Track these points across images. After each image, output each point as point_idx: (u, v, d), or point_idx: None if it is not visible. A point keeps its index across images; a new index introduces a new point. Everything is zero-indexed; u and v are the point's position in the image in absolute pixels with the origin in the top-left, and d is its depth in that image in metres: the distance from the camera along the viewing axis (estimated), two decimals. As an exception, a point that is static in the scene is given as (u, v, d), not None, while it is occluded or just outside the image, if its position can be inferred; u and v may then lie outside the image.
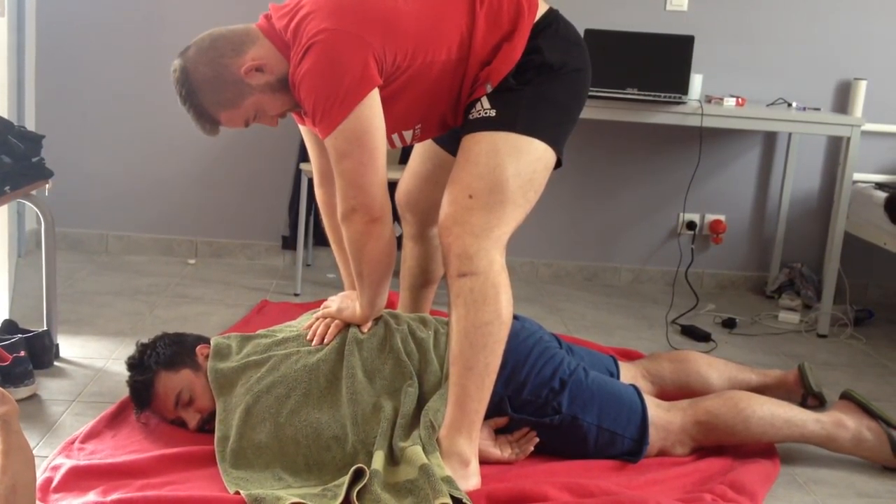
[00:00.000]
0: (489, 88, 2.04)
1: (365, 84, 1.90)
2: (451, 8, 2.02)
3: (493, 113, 2.03)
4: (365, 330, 2.20)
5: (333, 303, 2.28)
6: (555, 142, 2.06)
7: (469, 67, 2.04)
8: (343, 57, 1.89)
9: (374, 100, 1.93)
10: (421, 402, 2.11)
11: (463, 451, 1.98)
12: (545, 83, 2.05)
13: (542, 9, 2.10)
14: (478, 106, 2.05)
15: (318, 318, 2.25)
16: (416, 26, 1.97)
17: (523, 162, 2.01)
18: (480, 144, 2.01)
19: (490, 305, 1.95)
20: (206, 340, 2.29)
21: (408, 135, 2.16)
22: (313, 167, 2.37)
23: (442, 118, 2.14)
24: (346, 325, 2.21)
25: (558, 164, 2.12)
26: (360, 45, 1.90)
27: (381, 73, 1.93)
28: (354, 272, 2.13)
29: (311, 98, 1.92)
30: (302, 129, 2.34)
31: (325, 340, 2.17)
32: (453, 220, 1.97)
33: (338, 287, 3.63)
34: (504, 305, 1.97)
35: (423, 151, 2.41)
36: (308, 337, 2.20)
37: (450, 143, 2.24)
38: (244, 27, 2.04)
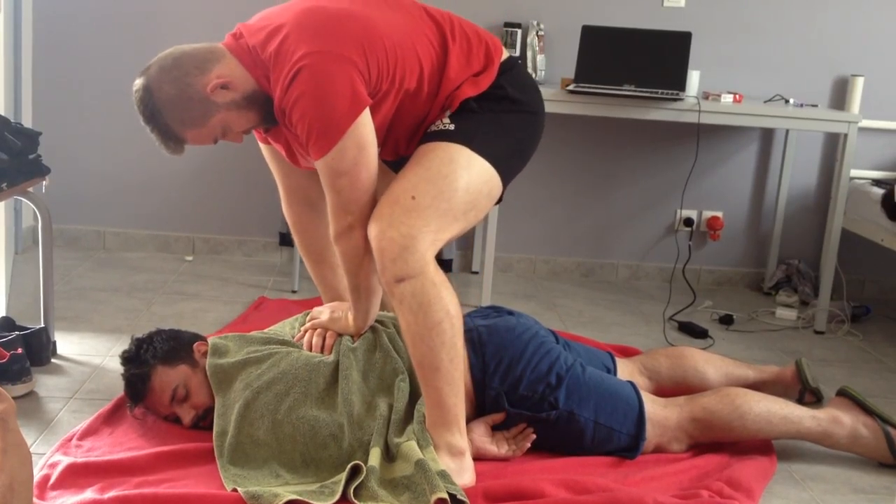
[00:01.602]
0: (448, 113, 2.07)
1: (356, 104, 1.91)
2: (423, 38, 2.05)
3: (451, 127, 2.05)
4: (356, 340, 2.21)
5: (322, 313, 2.28)
6: (503, 171, 2.09)
7: (437, 101, 2.07)
8: (332, 78, 1.89)
9: (366, 118, 1.94)
10: (413, 398, 2.12)
11: (453, 444, 1.99)
12: (504, 113, 2.09)
13: (504, 54, 2.16)
14: (437, 122, 2.07)
15: (308, 330, 2.26)
16: (393, 48, 1.98)
17: (474, 179, 2.02)
18: (436, 152, 2.02)
19: (435, 304, 1.93)
20: (202, 338, 2.29)
21: None
22: (280, 187, 2.37)
23: (395, 145, 2.15)
24: (339, 336, 2.22)
25: (499, 200, 2.15)
26: (347, 65, 1.90)
27: (367, 92, 1.94)
28: (350, 286, 2.13)
29: (305, 122, 1.91)
30: (264, 149, 2.34)
31: (326, 353, 2.18)
32: (388, 222, 1.94)
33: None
34: (449, 300, 1.96)
35: None
36: (304, 348, 2.21)
37: (394, 165, 2.25)
38: (208, 45, 2.02)
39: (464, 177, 2.00)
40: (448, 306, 1.95)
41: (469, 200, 2.01)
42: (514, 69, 2.16)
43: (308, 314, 2.44)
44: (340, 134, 1.91)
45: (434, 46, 2.05)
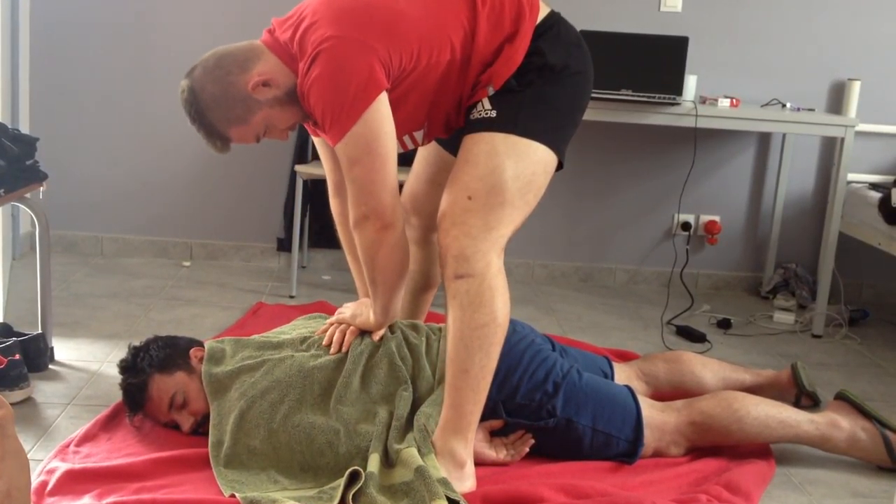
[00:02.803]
0: (491, 91, 2.04)
1: (372, 89, 1.90)
2: (452, 8, 2.02)
3: (493, 114, 2.03)
4: (376, 338, 2.20)
5: (348, 309, 2.28)
6: (555, 144, 2.07)
7: (471, 68, 2.04)
8: (348, 63, 1.89)
9: (382, 104, 1.93)
10: (415, 407, 2.11)
11: (458, 453, 1.99)
12: (546, 85, 2.05)
13: (543, 11, 2.10)
14: (479, 107, 2.05)
15: (332, 325, 2.25)
16: (419, 27, 1.97)
17: (523, 164, 2.01)
18: (480, 145, 2.01)
19: (486, 307, 1.95)
20: (199, 343, 2.28)
21: (419, 135, 2.17)
22: (328, 178, 2.37)
23: (446, 118, 2.14)
24: (361, 333, 2.22)
25: (559, 166, 2.12)
26: (365, 51, 1.89)
27: (387, 76, 1.93)
28: (368, 279, 2.12)
29: (320, 106, 1.92)
30: (315, 140, 2.35)
31: (343, 349, 2.17)
32: (451, 222, 1.97)
33: (332, 289, 3.64)
34: (500, 308, 1.97)
35: (426, 154, 2.40)
36: (324, 342, 2.20)
37: (451, 144, 2.25)
38: (248, 43, 2.04)
39: (511, 166, 1.99)
40: (497, 313, 1.97)
41: (522, 186, 2.01)
42: (554, 28, 2.10)
43: (313, 316, 2.44)
44: (354, 119, 1.90)
45: (463, 14, 2.02)
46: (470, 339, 1.96)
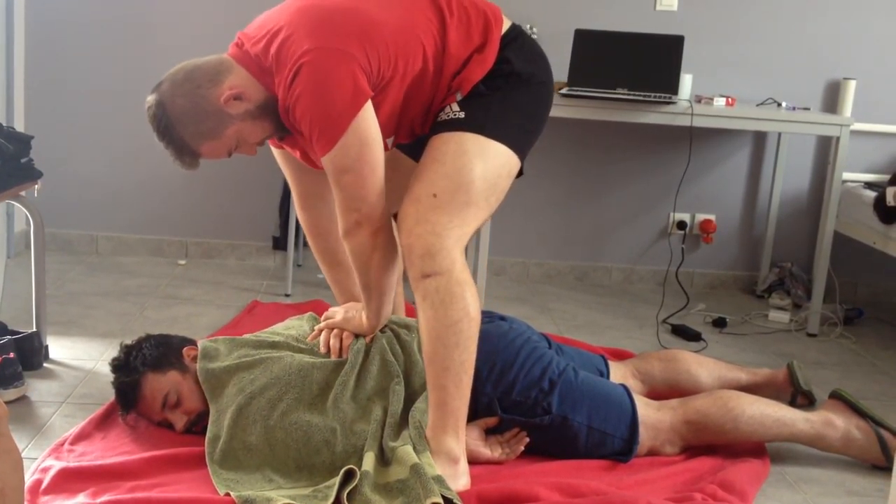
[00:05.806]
0: (459, 97, 2.06)
1: (358, 98, 1.91)
2: (422, 18, 2.03)
3: (461, 115, 2.04)
4: (369, 340, 2.20)
5: (337, 313, 2.28)
6: (520, 149, 2.09)
7: (443, 78, 2.06)
8: (332, 74, 1.89)
9: (368, 112, 1.93)
10: (408, 402, 2.12)
11: (451, 450, 1.99)
12: (513, 91, 2.08)
13: (506, 23, 2.14)
14: (447, 109, 2.07)
15: (324, 329, 2.25)
16: (394, 35, 1.97)
17: (490, 165, 2.02)
18: (448, 144, 2.02)
19: (458, 303, 1.95)
20: (192, 342, 2.28)
21: (389, 142, 2.18)
22: (293, 191, 2.36)
23: (411, 126, 2.15)
24: (355, 336, 2.22)
25: (520, 173, 2.13)
26: (346, 60, 1.90)
27: (369, 83, 1.94)
28: (361, 284, 2.13)
29: (307, 119, 1.91)
30: (277, 153, 2.33)
31: (343, 356, 2.17)
32: (415, 220, 1.96)
33: (327, 287, 3.63)
34: (471, 302, 1.97)
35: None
36: (321, 349, 2.20)
37: (410, 148, 2.25)
38: (216, 57, 2.02)
39: (478, 166, 2.00)
40: (469, 307, 1.96)
41: (487, 187, 2.02)
42: (518, 39, 2.13)
43: (302, 317, 2.44)
44: (342, 129, 1.90)
45: (433, 24, 2.03)
46: (446, 337, 1.95)
